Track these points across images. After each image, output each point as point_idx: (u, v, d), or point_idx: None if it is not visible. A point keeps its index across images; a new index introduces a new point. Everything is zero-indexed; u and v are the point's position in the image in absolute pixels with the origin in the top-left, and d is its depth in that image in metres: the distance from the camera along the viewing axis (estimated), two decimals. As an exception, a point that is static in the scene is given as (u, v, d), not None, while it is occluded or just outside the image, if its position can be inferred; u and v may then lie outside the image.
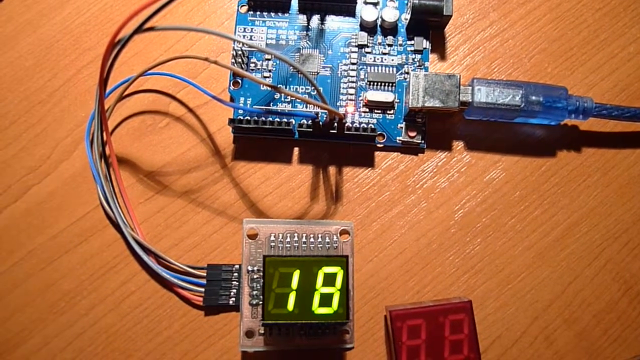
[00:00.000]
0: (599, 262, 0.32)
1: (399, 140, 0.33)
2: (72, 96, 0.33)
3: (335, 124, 0.31)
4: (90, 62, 0.34)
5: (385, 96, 0.33)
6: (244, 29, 0.34)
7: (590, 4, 0.35)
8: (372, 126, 0.32)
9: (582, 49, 0.35)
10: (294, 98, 0.33)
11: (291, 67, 0.33)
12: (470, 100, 0.31)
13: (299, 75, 0.33)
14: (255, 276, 0.30)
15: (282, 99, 0.33)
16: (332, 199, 0.33)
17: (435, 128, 0.33)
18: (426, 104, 0.31)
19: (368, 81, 0.33)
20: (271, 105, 0.33)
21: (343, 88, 0.33)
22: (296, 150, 0.33)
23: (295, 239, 0.30)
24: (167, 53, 0.34)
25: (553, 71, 0.34)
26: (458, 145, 0.33)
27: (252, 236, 0.30)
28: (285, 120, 0.31)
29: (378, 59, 0.34)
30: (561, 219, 0.32)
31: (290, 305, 0.28)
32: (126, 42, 0.25)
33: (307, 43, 0.34)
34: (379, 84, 0.33)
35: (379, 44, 0.34)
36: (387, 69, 0.34)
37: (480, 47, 0.35)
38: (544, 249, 0.32)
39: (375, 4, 0.34)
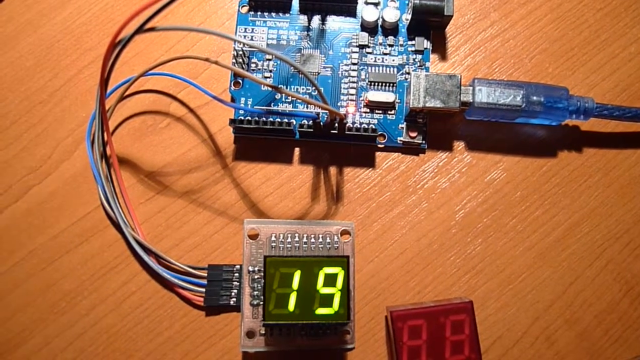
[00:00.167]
0: (600, 263, 0.32)
1: (400, 140, 0.33)
2: (73, 96, 0.34)
3: (336, 125, 0.31)
4: (91, 62, 0.34)
5: (386, 96, 0.33)
6: (245, 29, 0.34)
7: (592, 4, 0.35)
8: (373, 126, 0.32)
9: (583, 49, 0.34)
10: (294, 98, 0.33)
11: (292, 68, 0.33)
12: (471, 101, 0.31)
13: (300, 75, 0.33)
14: (256, 276, 0.29)
15: (283, 100, 0.33)
16: (333, 199, 0.33)
17: (436, 128, 0.33)
18: (427, 105, 0.31)
19: (369, 81, 0.33)
20: (272, 105, 0.33)
21: (344, 88, 0.33)
22: (297, 150, 0.33)
23: (296, 239, 0.30)
24: (168, 53, 0.34)
25: (554, 71, 0.34)
26: (459, 145, 0.33)
27: (253, 236, 0.30)
28: (286, 120, 0.31)
29: (379, 59, 0.34)
30: (562, 219, 0.32)
31: (291, 306, 0.28)
32: (127, 42, 0.25)
33: (308, 43, 0.34)
34: (380, 84, 0.33)
35: (380, 44, 0.34)
36: (388, 69, 0.34)
37: (481, 47, 0.35)
38: (545, 249, 0.32)
39: (376, 4, 0.34)
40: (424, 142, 0.33)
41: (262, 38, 0.34)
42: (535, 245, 0.32)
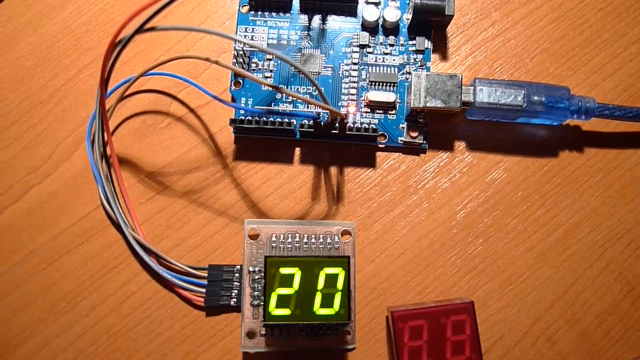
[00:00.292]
0: (601, 263, 0.32)
1: (401, 140, 0.33)
2: (73, 96, 0.33)
3: (337, 124, 0.31)
4: (91, 62, 0.34)
5: (387, 96, 0.33)
6: (245, 29, 0.34)
7: (593, 3, 0.35)
8: (374, 126, 0.32)
9: (584, 48, 0.34)
10: (295, 98, 0.33)
11: (292, 67, 0.33)
12: (472, 101, 0.31)
13: (301, 75, 0.33)
14: (256, 277, 0.29)
15: (284, 99, 0.33)
16: (334, 199, 0.33)
17: (437, 128, 0.33)
18: (428, 104, 0.31)
19: (369, 81, 0.33)
20: (272, 105, 0.33)
21: (344, 88, 0.33)
22: (297, 150, 0.33)
23: (297, 239, 0.30)
24: (168, 53, 0.34)
25: (555, 71, 0.34)
26: (460, 145, 0.33)
27: (254, 237, 0.30)
28: (286, 120, 0.31)
29: (380, 59, 0.34)
30: (563, 219, 0.32)
31: (292, 306, 0.28)
32: (127, 42, 0.25)
33: (309, 43, 0.34)
34: (381, 84, 0.33)
35: (381, 43, 0.34)
36: (388, 69, 0.34)
37: (482, 47, 0.34)
38: (546, 249, 0.32)
39: (376, 4, 0.34)
40: (424, 142, 0.33)
41: (263, 38, 0.34)
42: (536, 245, 0.32)
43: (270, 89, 0.33)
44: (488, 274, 0.32)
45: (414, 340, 0.28)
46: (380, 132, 0.33)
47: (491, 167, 0.33)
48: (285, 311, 0.28)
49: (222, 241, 0.32)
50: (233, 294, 0.30)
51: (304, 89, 0.33)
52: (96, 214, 0.32)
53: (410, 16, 0.33)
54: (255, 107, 0.33)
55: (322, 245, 0.30)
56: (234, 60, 0.33)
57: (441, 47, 0.34)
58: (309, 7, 0.34)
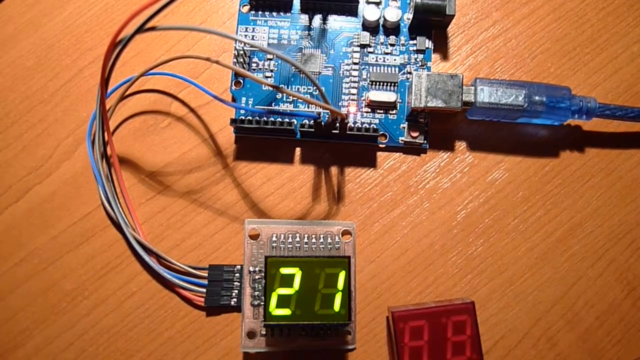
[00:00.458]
0: (602, 263, 0.32)
1: (401, 140, 0.33)
2: (73, 96, 0.33)
3: (337, 124, 0.31)
4: (92, 62, 0.34)
5: (388, 96, 0.33)
6: (246, 28, 0.34)
7: (594, 3, 0.35)
8: (374, 126, 0.32)
9: (585, 48, 0.34)
10: (295, 98, 0.33)
11: (293, 67, 0.33)
12: (473, 101, 0.31)
13: (301, 75, 0.33)
14: (256, 277, 0.29)
15: (284, 99, 0.33)
16: (334, 199, 0.33)
17: (437, 128, 0.33)
18: (429, 104, 0.31)
19: (370, 81, 0.33)
20: (273, 105, 0.33)
21: (345, 88, 0.33)
22: (298, 150, 0.33)
23: (297, 239, 0.30)
24: (168, 53, 0.34)
25: (556, 71, 0.34)
26: (460, 145, 0.33)
27: (254, 236, 0.30)
28: (287, 120, 0.31)
29: (380, 58, 0.34)
30: (564, 219, 0.32)
31: (292, 306, 0.28)
32: (127, 42, 0.25)
33: (309, 43, 0.34)
34: (381, 83, 0.33)
35: (381, 43, 0.34)
36: (389, 68, 0.33)
37: (483, 47, 0.34)
38: (547, 249, 0.32)
39: (377, 4, 0.34)
40: (425, 142, 0.33)
41: (263, 37, 0.34)
42: (537, 245, 0.32)
43: (270, 88, 0.33)
44: (489, 274, 0.32)
45: (414, 340, 0.28)
46: (380, 132, 0.33)
47: (492, 167, 0.33)
48: (286, 311, 0.28)
49: (223, 241, 0.32)
50: (233, 294, 0.30)
51: (304, 88, 0.33)
52: (96, 214, 0.32)
53: (411, 16, 0.33)
54: (256, 107, 0.33)
55: (323, 246, 0.30)
56: (235, 60, 0.33)
57: (442, 47, 0.34)
58: (309, 6, 0.34)
